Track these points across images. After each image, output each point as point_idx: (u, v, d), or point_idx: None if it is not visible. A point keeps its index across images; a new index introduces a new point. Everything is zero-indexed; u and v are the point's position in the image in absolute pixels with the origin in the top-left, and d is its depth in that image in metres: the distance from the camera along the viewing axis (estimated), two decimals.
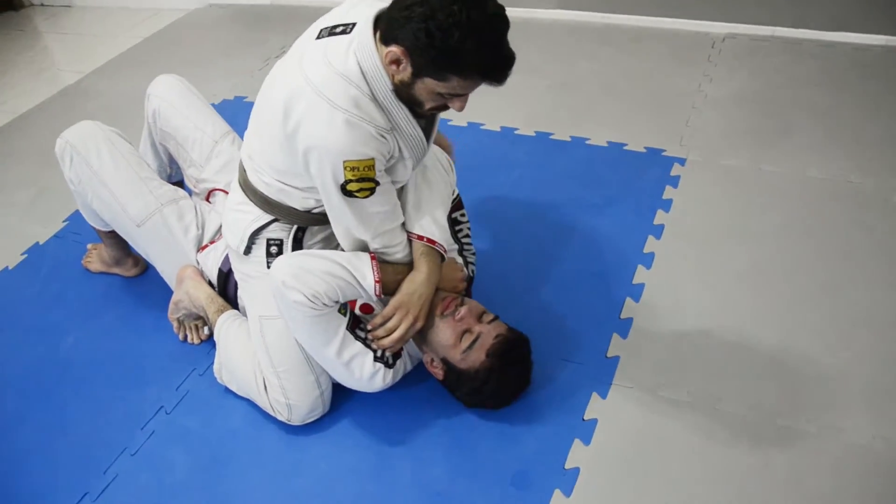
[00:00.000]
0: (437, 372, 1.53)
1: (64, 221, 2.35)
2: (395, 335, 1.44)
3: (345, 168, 1.29)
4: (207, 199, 1.85)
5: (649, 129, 2.41)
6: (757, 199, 2.07)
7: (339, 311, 1.45)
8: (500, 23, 1.21)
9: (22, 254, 2.25)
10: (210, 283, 1.75)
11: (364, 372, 1.48)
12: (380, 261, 1.45)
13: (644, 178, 2.20)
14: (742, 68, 2.67)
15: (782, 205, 2.04)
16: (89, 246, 2.14)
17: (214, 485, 1.51)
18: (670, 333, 1.70)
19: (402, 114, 1.32)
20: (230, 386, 1.67)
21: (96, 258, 2.09)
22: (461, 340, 1.47)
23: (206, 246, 1.76)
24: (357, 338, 1.47)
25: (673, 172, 2.20)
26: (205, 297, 1.71)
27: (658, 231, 1.99)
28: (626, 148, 2.33)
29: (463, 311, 1.49)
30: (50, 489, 1.54)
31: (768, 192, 2.09)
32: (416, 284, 1.45)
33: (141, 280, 2.06)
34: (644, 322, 1.73)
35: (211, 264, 1.74)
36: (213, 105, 1.92)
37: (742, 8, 2.85)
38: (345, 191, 1.33)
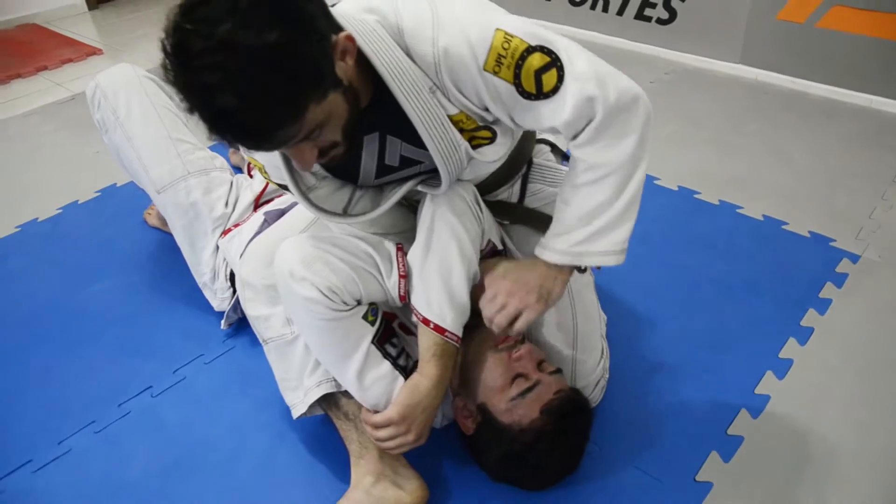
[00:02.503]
0: (468, 424, 1.17)
1: None
2: (387, 446, 1.14)
3: None
4: (249, 172, 1.60)
5: (820, 211, 1.92)
6: None
7: (366, 317, 1.12)
8: None
9: (96, 191, 2.14)
10: (232, 275, 1.48)
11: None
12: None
13: (801, 267, 1.72)
14: None
15: None
16: None
17: (160, 498, 1.22)
18: (787, 471, 1.24)
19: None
20: None
21: (154, 212, 1.92)
22: (512, 385, 1.12)
23: (231, 230, 1.49)
24: (386, 355, 1.14)
25: (839, 269, 1.71)
26: None
27: (804, 335, 1.52)
28: (785, 227, 1.87)
29: (523, 349, 1.15)
30: None
31: None
32: (420, 394, 1.11)
33: None
34: (756, 446, 1.28)
35: (234, 251, 1.43)
36: None
37: None
38: None
